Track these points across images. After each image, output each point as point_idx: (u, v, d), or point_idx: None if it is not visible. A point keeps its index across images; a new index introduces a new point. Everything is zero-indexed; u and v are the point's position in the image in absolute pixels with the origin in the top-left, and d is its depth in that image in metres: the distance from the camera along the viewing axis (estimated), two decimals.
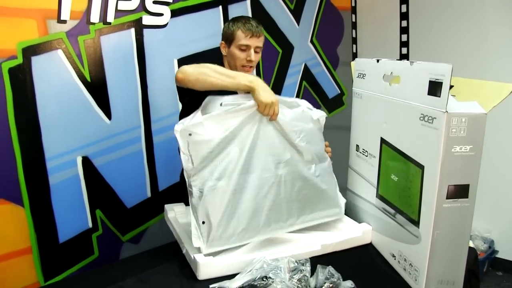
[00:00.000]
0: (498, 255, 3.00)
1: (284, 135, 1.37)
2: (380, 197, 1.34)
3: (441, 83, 1.00)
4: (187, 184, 1.23)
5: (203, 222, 1.22)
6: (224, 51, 1.80)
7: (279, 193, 1.35)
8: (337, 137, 3.26)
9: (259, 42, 1.74)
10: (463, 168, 1.03)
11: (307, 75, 3.09)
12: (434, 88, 1.03)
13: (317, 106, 3.14)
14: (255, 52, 1.74)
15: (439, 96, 1.01)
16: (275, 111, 1.32)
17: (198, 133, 1.22)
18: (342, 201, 1.50)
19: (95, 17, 1.98)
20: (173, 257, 1.34)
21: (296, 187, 1.38)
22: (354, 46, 3.45)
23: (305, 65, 3.07)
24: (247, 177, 1.30)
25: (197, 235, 1.21)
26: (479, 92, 1.08)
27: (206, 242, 1.22)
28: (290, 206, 1.37)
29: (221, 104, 1.32)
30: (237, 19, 1.76)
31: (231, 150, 1.27)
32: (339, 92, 3.39)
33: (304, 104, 1.48)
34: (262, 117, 1.33)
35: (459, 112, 1.00)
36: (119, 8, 2.04)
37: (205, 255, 1.21)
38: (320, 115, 1.49)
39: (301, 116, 1.44)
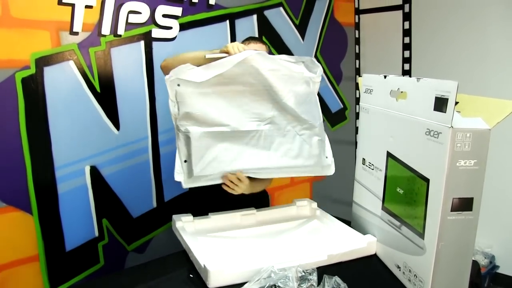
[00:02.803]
0: (499, 271, 3.01)
1: (272, 93, 1.45)
2: (385, 209, 1.36)
3: (447, 99, 1.03)
4: (175, 126, 1.40)
5: (185, 161, 1.39)
6: None
7: (259, 145, 1.46)
8: (340, 151, 3.31)
9: (256, 47, 1.78)
10: (468, 182, 1.05)
11: None
12: (440, 104, 1.06)
13: None
14: None
15: (445, 112, 1.04)
16: (239, 47, 1.47)
17: (186, 82, 1.35)
18: (327, 162, 1.58)
19: (106, 29, 2.02)
20: (181, 266, 1.36)
21: (275, 142, 1.49)
22: (357, 61, 3.49)
23: None
24: (229, 127, 1.42)
25: (179, 171, 1.39)
26: (483, 109, 1.11)
27: (186, 178, 1.39)
28: (269, 155, 1.48)
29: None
30: None
31: (216, 100, 1.40)
32: (342, 106, 3.42)
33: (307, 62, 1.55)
34: (250, 73, 1.42)
35: (464, 127, 1.02)
36: (129, 21, 2.09)
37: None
38: (311, 75, 1.53)
39: (292, 77, 1.50)
